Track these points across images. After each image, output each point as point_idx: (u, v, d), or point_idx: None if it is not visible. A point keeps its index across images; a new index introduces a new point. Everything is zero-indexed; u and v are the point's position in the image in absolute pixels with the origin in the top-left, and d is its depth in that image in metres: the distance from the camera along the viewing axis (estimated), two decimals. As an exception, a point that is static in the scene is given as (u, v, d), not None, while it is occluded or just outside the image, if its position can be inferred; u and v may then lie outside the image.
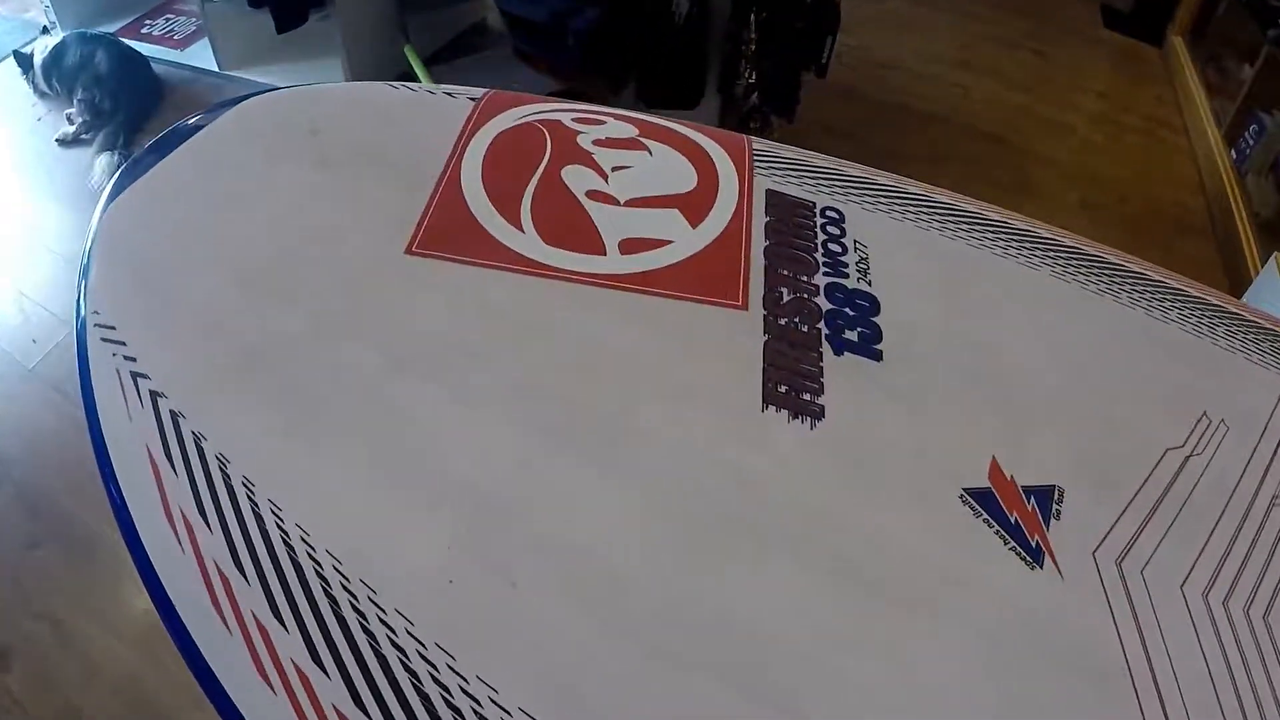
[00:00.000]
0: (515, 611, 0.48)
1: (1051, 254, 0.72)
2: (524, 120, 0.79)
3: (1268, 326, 0.69)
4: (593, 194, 0.72)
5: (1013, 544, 0.53)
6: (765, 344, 0.61)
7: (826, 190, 0.75)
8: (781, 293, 0.65)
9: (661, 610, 0.48)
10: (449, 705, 0.44)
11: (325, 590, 0.48)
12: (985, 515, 0.54)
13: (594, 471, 0.53)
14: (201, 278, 0.63)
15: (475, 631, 0.47)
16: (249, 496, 0.51)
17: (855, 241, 0.70)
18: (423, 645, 0.46)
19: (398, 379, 0.57)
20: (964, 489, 0.55)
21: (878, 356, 0.62)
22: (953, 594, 0.51)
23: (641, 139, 0.78)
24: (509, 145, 0.75)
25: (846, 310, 0.65)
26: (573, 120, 0.79)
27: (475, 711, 0.44)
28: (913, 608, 0.50)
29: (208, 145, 0.74)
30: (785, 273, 0.66)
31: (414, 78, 1.97)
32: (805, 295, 0.65)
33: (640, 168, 0.74)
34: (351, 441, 0.54)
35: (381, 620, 0.47)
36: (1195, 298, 0.70)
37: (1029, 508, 0.56)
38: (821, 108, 2.00)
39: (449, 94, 0.82)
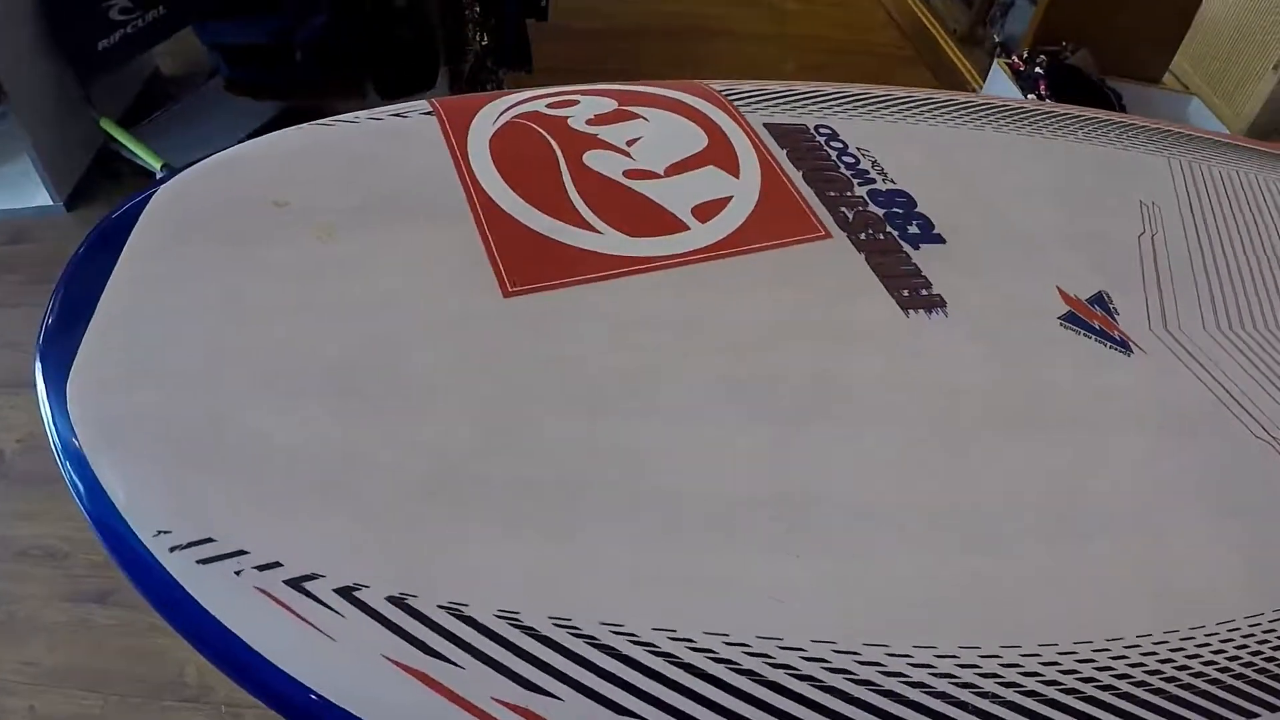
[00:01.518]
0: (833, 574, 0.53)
1: (998, 115, 0.88)
2: (503, 120, 0.75)
3: (1141, 124, 0.93)
4: (630, 173, 0.72)
5: (1108, 344, 0.69)
6: (867, 261, 0.69)
7: (804, 111, 0.83)
8: (843, 212, 0.73)
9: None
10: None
11: (740, 672, 0.46)
12: (1082, 331, 0.69)
13: (845, 432, 0.58)
14: (284, 418, 0.51)
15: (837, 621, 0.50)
16: (578, 635, 0.45)
17: (859, 149, 0.79)
18: (852, 653, 0.48)
19: (605, 429, 0.54)
20: (1058, 318, 0.70)
21: (942, 240, 0.73)
22: (1105, 405, 0.66)
23: (626, 109, 0.79)
24: (510, 149, 0.72)
25: (895, 210, 0.75)
26: (548, 107, 0.77)
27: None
28: (1090, 426, 0.64)
29: (151, 254, 0.61)
30: (833, 194, 0.74)
31: (120, 149, 1.77)
32: (860, 208, 0.74)
33: (650, 136, 0.76)
34: (613, 512, 0.51)
35: (798, 671, 0.46)
36: (1089, 118, 0.92)
37: (1098, 313, 0.72)
38: (548, 52, 2.06)
39: (396, 114, 0.75)
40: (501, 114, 0.76)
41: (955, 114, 0.87)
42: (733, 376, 0.59)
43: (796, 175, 0.75)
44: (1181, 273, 0.77)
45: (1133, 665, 0.50)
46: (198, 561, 0.46)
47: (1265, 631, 0.54)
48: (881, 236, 0.72)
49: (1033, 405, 0.63)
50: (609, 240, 0.66)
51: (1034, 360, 0.66)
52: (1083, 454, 0.61)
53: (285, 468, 0.49)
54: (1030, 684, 0.49)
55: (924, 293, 0.68)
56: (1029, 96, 1.68)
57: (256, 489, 0.49)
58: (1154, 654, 0.51)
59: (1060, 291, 0.72)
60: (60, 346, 0.55)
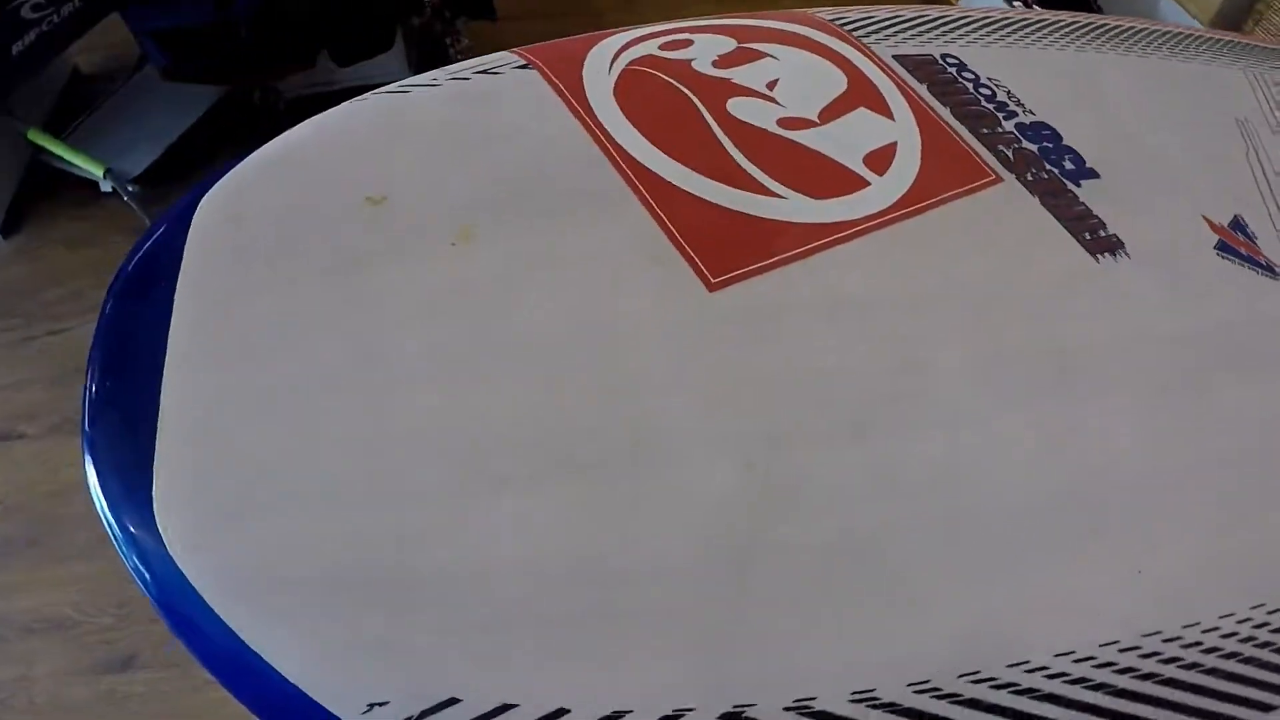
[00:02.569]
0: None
1: (1112, 37, 0.86)
2: (619, 69, 0.65)
3: (1210, 36, 0.93)
4: (784, 122, 0.65)
5: (1260, 270, 0.71)
6: (1042, 204, 0.66)
7: (923, 40, 0.77)
8: (1002, 151, 0.69)
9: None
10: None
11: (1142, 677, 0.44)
12: (1236, 259, 0.70)
13: (1100, 404, 0.55)
14: (492, 517, 0.42)
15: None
16: (980, 682, 0.42)
17: (991, 79, 0.75)
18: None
19: (878, 450, 0.48)
20: (1213, 248, 0.70)
21: (1096, 174, 0.71)
22: (1272, 337, 0.67)
23: (748, 47, 0.70)
24: (643, 104, 0.62)
25: (1046, 145, 0.72)
26: (661, 49, 0.68)
27: None
28: (1246, 358, 0.65)
29: (216, 296, 0.49)
30: (985, 131, 0.70)
31: (53, 161, 1.60)
32: (1016, 145, 0.70)
33: (788, 77, 0.68)
34: (927, 550, 0.46)
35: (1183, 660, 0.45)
36: (1166, 33, 0.91)
37: (1242, 239, 0.73)
38: None
39: (483, 70, 0.63)
40: (614, 61, 0.66)
41: (1053, 35, 0.84)
42: (978, 360, 0.55)
43: (945, 112, 0.70)
44: (1288, 188, 0.79)
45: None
46: None
47: None
48: (1045, 176, 0.69)
49: (1236, 346, 0.64)
50: (794, 205, 0.59)
51: (1216, 296, 0.67)
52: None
53: (522, 585, 0.41)
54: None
55: (1102, 234, 0.66)
56: (1014, 4, 1.69)
57: (494, 620, 0.40)
58: None
59: (1206, 220, 0.72)
60: (123, 446, 0.45)
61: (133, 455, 0.43)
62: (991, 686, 0.41)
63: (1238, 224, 0.73)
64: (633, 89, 0.64)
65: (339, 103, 0.64)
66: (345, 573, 0.40)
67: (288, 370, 0.45)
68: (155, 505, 0.42)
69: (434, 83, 0.61)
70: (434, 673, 0.38)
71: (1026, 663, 0.42)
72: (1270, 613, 0.48)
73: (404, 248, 0.49)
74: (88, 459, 0.45)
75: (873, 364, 0.52)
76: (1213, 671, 0.45)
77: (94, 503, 0.44)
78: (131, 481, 0.43)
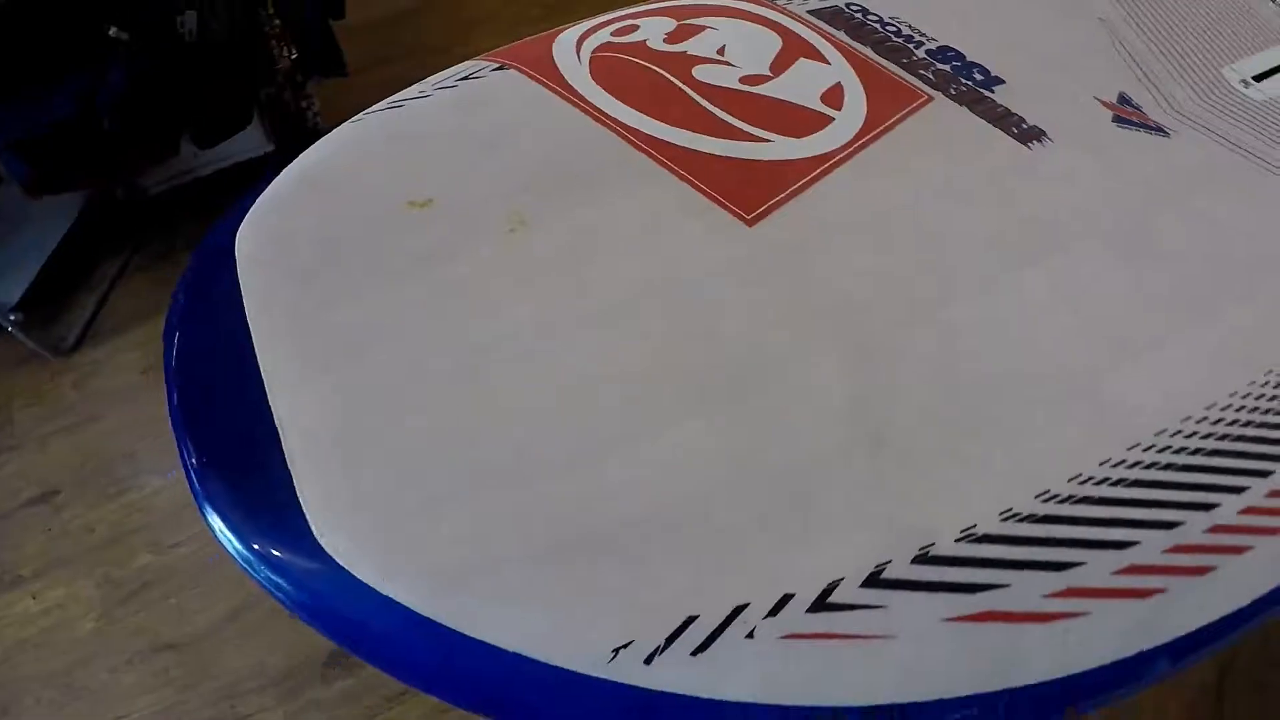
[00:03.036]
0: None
1: None
2: (589, 59, 0.70)
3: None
4: (745, 79, 0.71)
5: (1153, 131, 0.83)
6: (971, 112, 0.76)
7: (823, -7, 0.86)
8: (924, 74, 0.78)
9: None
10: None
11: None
12: (1131, 127, 0.82)
13: (1091, 263, 0.64)
14: (664, 448, 0.45)
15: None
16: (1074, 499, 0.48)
17: (893, 18, 0.85)
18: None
19: (953, 316, 0.55)
20: (1112, 122, 0.82)
21: (1002, 80, 0.81)
22: (1194, 178, 0.78)
23: (689, 23, 0.76)
24: (624, 84, 0.68)
25: (956, 64, 0.81)
26: (614, 35, 0.73)
27: None
28: (1207, 197, 0.76)
29: (296, 312, 0.51)
30: (905, 61, 0.79)
31: None
32: (932, 68, 0.79)
33: (732, 42, 0.75)
34: (1015, 396, 0.52)
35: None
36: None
37: (1131, 110, 0.85)
38: (360, 47, 1.90)
39: (464, 78, 0.67)
40: (578, 51, 0.71)
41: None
42: (980, 237, 0.64)
43: (868, 51, 0.79)
44: (1151, 65, 0.92)
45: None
46: (691, 654, 0.40)
47: None
48: (965, 88, 0.78)
49: (1160, 191, 0.75)
50: (784, 146, 0.66)
51: (1130, 157, 0.78)
52: (1230, 215, 0.73)
53: (707, 502, 0.45)
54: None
55: (1025, 127, 0.76)
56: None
57: (689, 538, 0.44)
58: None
59: (1099, 100, 0.84)
60: (255, 488, 0.45)
61: (270, 493, 0.44)
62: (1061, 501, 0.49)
63: (1124, 99, 0.85)
64: (607, 72, 0.69)
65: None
66: (547, 539, 0.42)
67: (400, 366, 0.47)
68: (324, 534, 0.42)
69: (422, 95, 0.64)
70: (664, 599, 0.40)
71: (1079, 475, 0.50)
72: (1263, 384, 0.58)
73: (466, 241, 0.53)
74: (217, 520, 0.45)
75: (904, 255, 0.59)
76: (1238, 438, 0.54)
77: (244, 564, 0.43)
78: (282, 521, 0.43)
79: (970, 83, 0.79)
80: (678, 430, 0.46)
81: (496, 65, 0.68)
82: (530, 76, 0.66)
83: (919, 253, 0.60)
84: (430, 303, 0.50)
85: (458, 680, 0.41)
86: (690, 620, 0.40)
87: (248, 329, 0.48)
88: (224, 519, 0.45)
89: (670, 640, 0.40)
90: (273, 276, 0.51)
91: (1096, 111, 0.82)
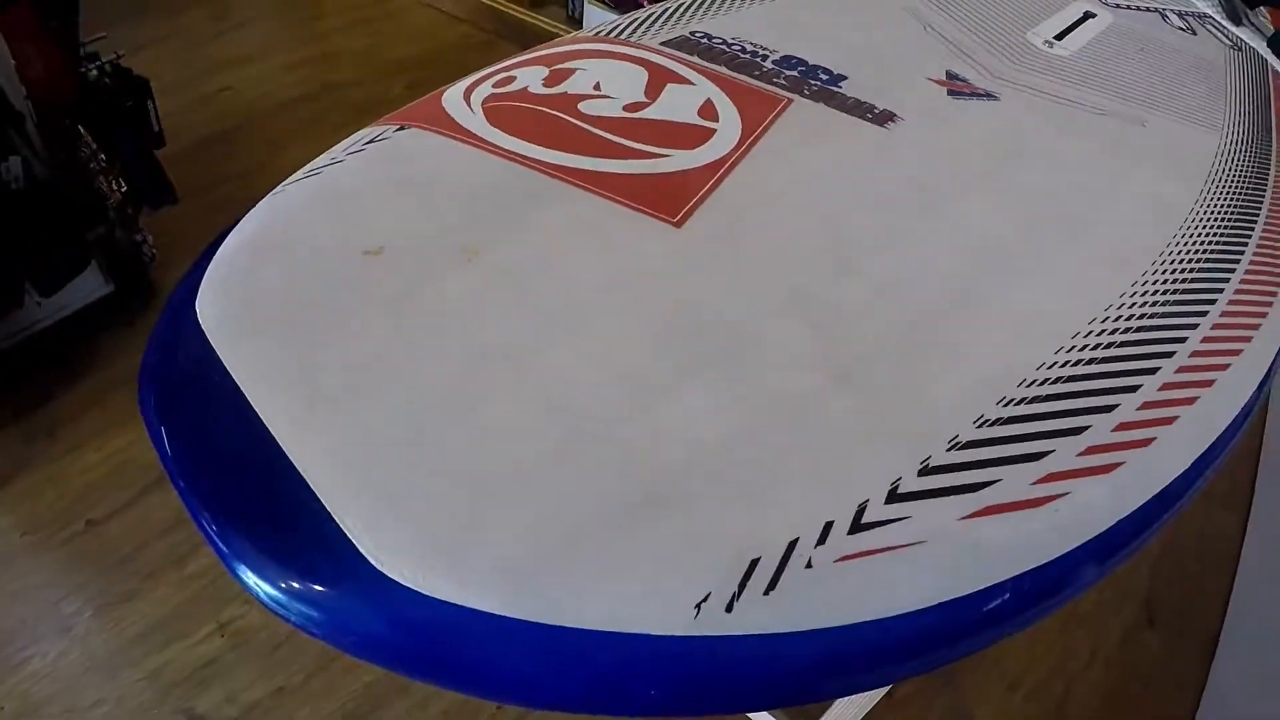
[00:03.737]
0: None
1: None
2: (481, 108, 0.73)
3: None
4: (628, 107, 0.76)
5: (984, 98, 0.94)
6: (828, 106, 0.84)
7: (669, 28, 0.93)
8: (778, 82, 0.86)
9: None
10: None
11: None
12: (964, 97, 0.93)
13: (969, 206, 0.74)
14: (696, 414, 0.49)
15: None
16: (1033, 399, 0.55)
17: (734, 38, 0.93)
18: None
19: (891, 258, 0.64)
20: (948, 95, 0.92)
21: (845, 77, 0.90)
22: (1031, 137, 0.89)
23: (559, 68, 0.81)
24: (522, 127, 0.72)
25: (801, 69, 0.90)
26: (495, 86, 0.77)
27: None
28: (1042, 152, 0.87)
29: (302, 364, 0.50)
30: (757, 74, 0.87)
31: None
32: (782, 75, 0.87)
33: (604, 78, 0.80)
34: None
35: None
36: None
37: (960, 83, 0.96)
38: (178, 176, 1.87)
39: (370, 141, 0.69)
40: (468, 103, 0.75)
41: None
42: (876, 203, 0.72)
43: (723, 69, 0.86)
44: (963, 42, 1.05)
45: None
46: (764, 594, 0.42)
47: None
48: (815, 88, 0.87)
49: (1005, 144, 0.85)
50: (681, 158, 0.71)
51: (971, 122, 0.89)
52: (1060, 173, 0.84)
53: (733, 450, 0.48)
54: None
55: (877, 111, 0.85)
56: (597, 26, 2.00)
57: (728, 484, 0.47)
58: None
59: (932, 80, 0.95)
60: (290, 530, 0.44)
61: (309, 537, 0.42)
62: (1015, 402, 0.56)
63: (951, 75, 0.97)
64: (501, 117, 0.73)
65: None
66: (600, 511, 0.44)
67: (405, 392, 0.48)
68: (388, 567, 0.41)
69: (335, 161, 0.66)
70: (724, 546, 0.42)
71: (1024, 380, 0.57)
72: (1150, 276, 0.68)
73: (429, 276, 0.55)
74: (258, 579, 0.42)
75: (817, 226, 0.67)
76: (1140, 329, 0.63)
77: (299, 620, 0.41)
78: (332, 560, 0.42)
79: (819, 83, 0.88)
80: (683, 395, 0.50)
81: (397, 126, 0.70)
82: (433, 131, 0.69)
83: (827, 222, 0.68)
84: (414, 334, 0.52)
85: (564, 676, 0.41)
86: (754, 563, 0.42)
87: (232, 387, 0.47)
88: (265, 573, 0.42)
89: (742, 585, 0.41)
90: (247, 333, 0.51)
91: (932, 90, 0.93)
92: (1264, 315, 0.74)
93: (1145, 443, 0.58)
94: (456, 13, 2.77)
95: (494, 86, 0.77)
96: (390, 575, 0.41)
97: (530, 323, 0.54)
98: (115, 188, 1.57)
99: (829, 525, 0.44)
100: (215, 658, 1.28)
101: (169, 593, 1.34)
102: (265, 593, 0.43)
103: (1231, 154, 0.96)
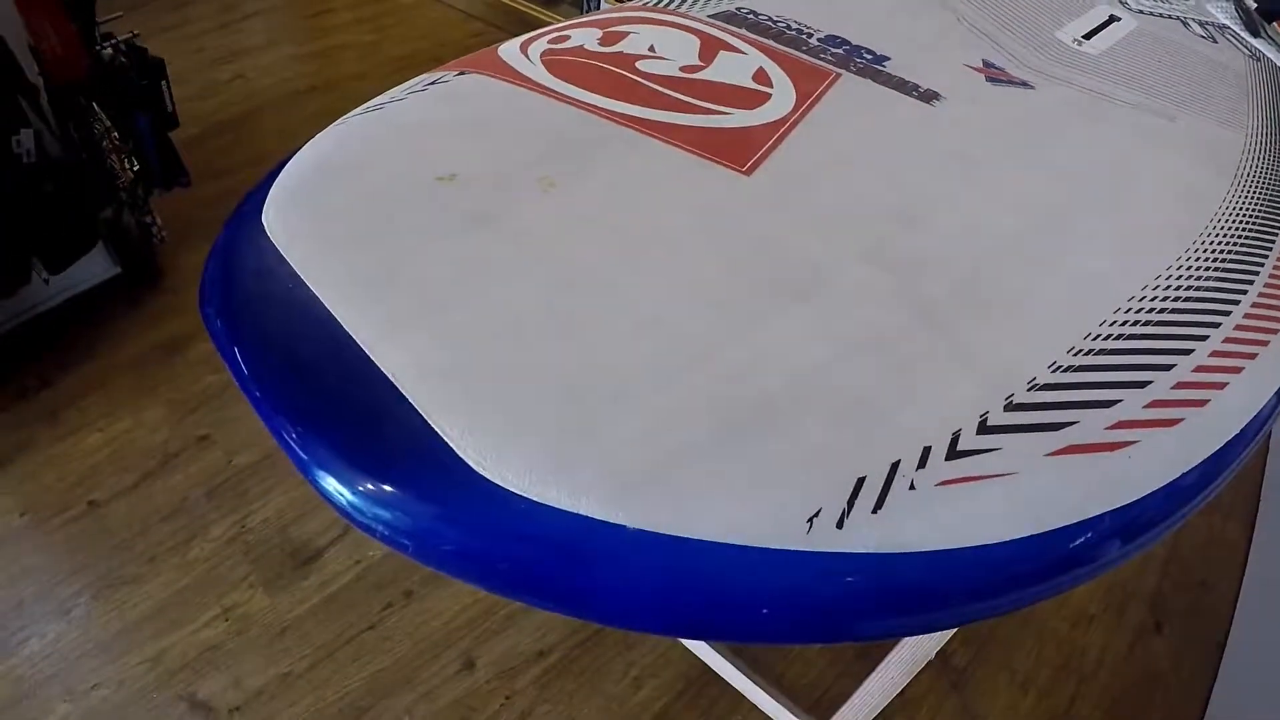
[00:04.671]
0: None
1: None
2: (542, 63, 0.74)
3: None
4: (685, 69, 0.77)
5: (1020, 86, 0.95)
6: (875, 83, 0.85)
7: (712, 4, 0.94)
8: (824, 59, 0.87)
9: None
10: None
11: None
12: (1002, 84, 0.94)
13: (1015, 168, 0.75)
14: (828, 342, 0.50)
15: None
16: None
17: (779, 16, 0.94)
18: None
19: (932, 222, 0.65)
20: (986, 81, 0.94)
21: (888, 57, 0.92)
22: (1066, 123, 0.91)
23: (613, 30, 0.81)
24: (586, 80, 0.72)
25: (846, 48, 0.91)
26: (551, 43, 0.78)
27: None
28: (1082, 135, 0.88)
29: (400, 256, 0.50)
30: (804, 50, 0.88)
31: None
32: (828, 52, 0.88)
33: (659, 44, 0.80)
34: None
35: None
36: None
37: (997, 70, 0.98)
38: (194, 157, 1.88)
39: (432, 82, 0.69)
40: (527, 57, 0.75)
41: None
42: (932, 170, 0.73)
43: (772, 43, 0.87)
44: (997, 36, 1.07)
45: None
46: (872, 512, 0.42)
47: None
48: (862, 66, 0.88)
49: (1040, 124, 0.86)
50: (742, 116, 0.72)
51: (1011, 104, 0.90)
52: (1099, 153, 0.86)
53: (833, 372, 0.49)
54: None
55: (922, 90, 0.86)
56: None
57: (831, 406, 0.47)
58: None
59: (969, 67, 0.96)
60: (376, 443, 0.43)
61: (400, 443, 0.41)
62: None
63: (987, 64, 0.98)
64: (562, 69, 0.73)
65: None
66: (711, 424, 0.43)
67: (493, 308, 0.48)
68: (491, 471, 0.39)
69: (396, 99, 0.65)
70: (832, 465, 0.42)
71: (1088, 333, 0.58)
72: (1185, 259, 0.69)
73: (507, 202, 0.55)
74: (342, 485, 0.40)
75: (880, 184, 0.68)
76: (1190, 298, 0.64)
77: (388, 531, 0.39)
78: (430, 463, 0.40)
79: (864, 61, 0.89)
80: (775, 323, 0.50)
81: (456, 72, 0.70)
82: (495, 77, 0.69)
83: (886, 180, 0.69)
84: (496, 253, 0.51)
85: (680, 589, 0.39)
86: (861, 481, 0.42)
87: (307, 296, 0.46)
88: (351, 480, 0.40)
89: (851, 502, 0.41)
90: (321, 248, 0.50)
91: (971, 75, 0.94)
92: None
93: (1202, 403, 0.58)
94: (468, 9, 2.78)
95: (550, 43, 0.78)
96: (493, 480, 0.40)
97: (616, 251, 0.54)
98: (127, 167, 1.55)
99: (928, 450, 0.44)
100: (218, 643, 1.25)
101: (172, 577, 1.31)
102: (349, 501, 0.41)
103: (1258, 154, 0.99)
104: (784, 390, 0.46)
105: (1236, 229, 0.81)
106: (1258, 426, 0.62)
